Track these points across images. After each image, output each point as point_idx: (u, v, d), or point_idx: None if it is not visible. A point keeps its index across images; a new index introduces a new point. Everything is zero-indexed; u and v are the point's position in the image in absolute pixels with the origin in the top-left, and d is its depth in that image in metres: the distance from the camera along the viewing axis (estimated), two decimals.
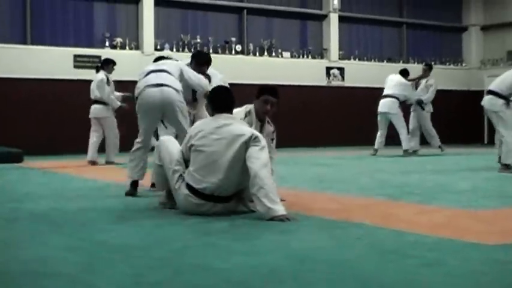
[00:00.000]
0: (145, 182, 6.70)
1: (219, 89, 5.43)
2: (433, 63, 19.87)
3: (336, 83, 18.61)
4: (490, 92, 9.12)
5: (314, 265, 3.21)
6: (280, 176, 7.22)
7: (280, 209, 4.63)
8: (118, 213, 5.12)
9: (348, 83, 18.65)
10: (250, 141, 4.80)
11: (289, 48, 18.27)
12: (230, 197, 4.99)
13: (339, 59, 18.84)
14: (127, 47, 15.94)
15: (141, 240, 3.94)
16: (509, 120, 8.95)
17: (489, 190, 6.81)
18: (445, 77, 18.59)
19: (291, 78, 17.34)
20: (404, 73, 13.76)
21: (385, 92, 13.49)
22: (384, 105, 13.39)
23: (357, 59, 19.30)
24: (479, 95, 20.39)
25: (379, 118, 13.46)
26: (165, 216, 4.93)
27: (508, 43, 20.53)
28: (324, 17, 18.88)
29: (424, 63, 14.39)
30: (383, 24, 20.16)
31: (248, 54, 17.58)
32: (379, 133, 13.42)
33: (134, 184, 6.45)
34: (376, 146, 13.43)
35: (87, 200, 6.09)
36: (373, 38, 20.06)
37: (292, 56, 18.24)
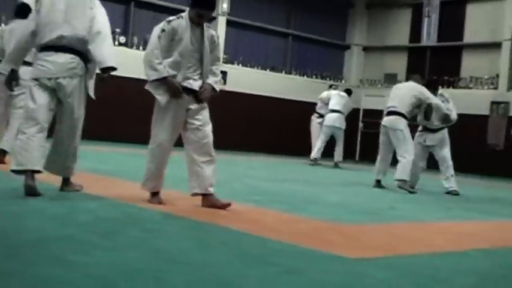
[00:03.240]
0: None
1: None
2: (314, 76, 20.36)
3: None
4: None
5: (175, 266, 3.16)
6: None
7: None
8: None
9: (229, 87, 18.69)
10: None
11: None
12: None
13: (223, 62, 18.87)
14: None
15: None
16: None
17: (356, 205, 7.00)
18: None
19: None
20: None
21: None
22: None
23: (240, 65, 19.42)
24: (355, 112, 21.07)
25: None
26: (27, 204, 4.72)
27: (386, 66, 21.33)
28: (213, 19, 18.89)
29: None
30: (270, 33, 20.39)
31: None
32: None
33: None
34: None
35: None
36: (259, 45, 20.25)
37: None
